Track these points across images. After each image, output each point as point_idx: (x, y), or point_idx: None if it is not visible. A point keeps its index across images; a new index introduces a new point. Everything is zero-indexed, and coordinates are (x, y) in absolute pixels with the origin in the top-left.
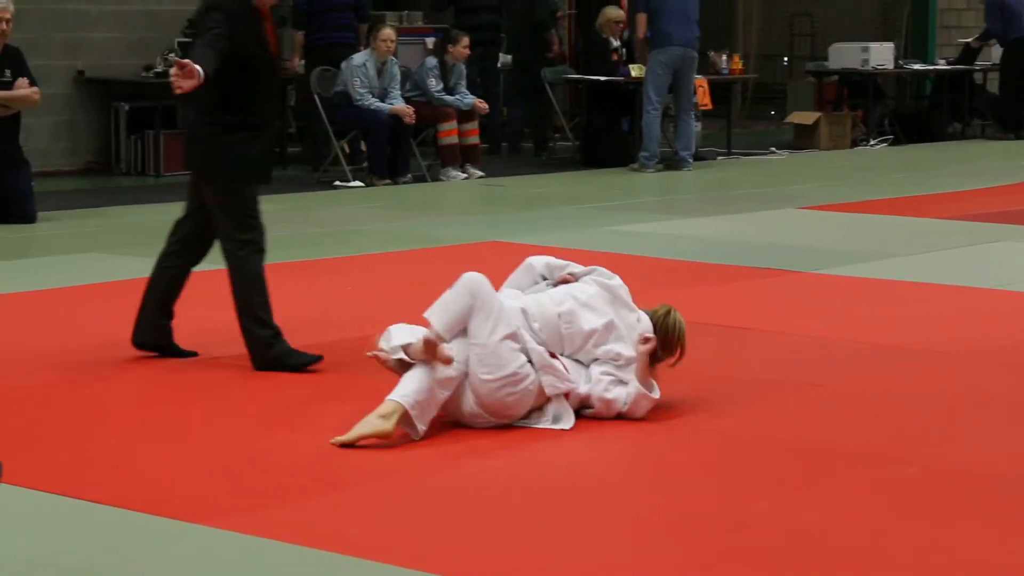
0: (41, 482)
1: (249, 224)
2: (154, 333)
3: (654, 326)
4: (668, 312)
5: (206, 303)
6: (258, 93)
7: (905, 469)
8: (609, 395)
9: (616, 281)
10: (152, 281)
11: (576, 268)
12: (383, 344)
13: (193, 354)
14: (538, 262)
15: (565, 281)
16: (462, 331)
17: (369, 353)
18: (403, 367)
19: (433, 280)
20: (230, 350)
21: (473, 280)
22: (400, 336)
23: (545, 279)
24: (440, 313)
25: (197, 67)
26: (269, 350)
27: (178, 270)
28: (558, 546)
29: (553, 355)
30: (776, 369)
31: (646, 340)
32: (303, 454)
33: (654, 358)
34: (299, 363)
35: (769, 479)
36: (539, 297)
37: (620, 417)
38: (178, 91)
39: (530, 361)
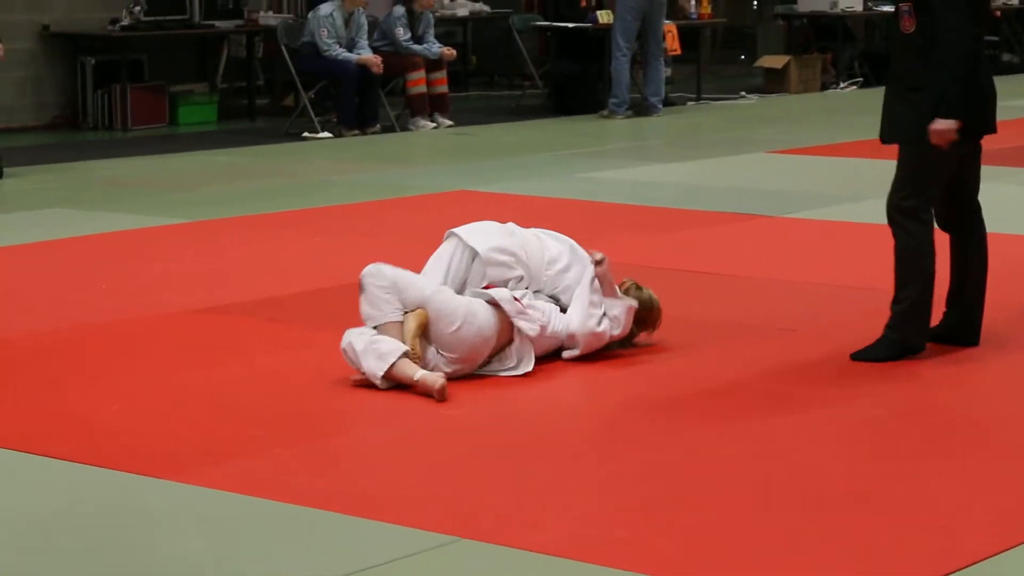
0: (5, 439)
1: None
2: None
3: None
4: (637, 286)
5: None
6: None
7: (872, 411)
8: (600, 328)
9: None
10: None
11: None
12: (361, 368)
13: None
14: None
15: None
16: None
17: (353, 380)
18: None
19: (403, 230)
20: (188, 302)
21: (378, 272)
22: (370, 362)
23: None
24: (386, 314)
25: None
26: None
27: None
28: (530, 494)
29: (516, 299)
30: (748, 314)
31: (598, 262)
32: (270, 407)
33: (630, 336)
34: None
35: (738, 423)
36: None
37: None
38: None
39: (494, 304)
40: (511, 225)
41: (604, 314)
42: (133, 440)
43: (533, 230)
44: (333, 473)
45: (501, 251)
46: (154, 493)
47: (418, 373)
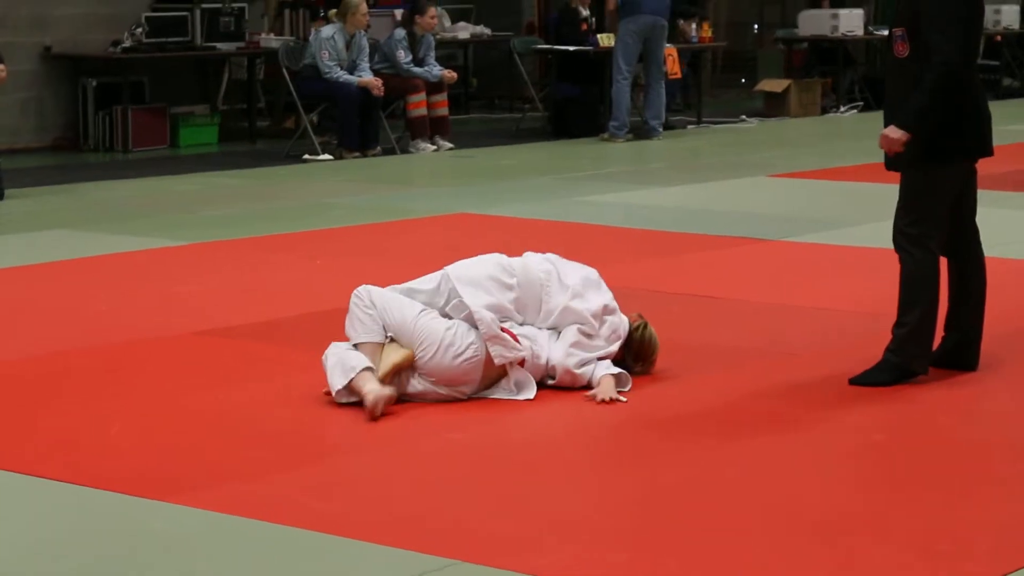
0: (3, 461)
1: None
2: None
3: (630, 334)
4: (645, 325)
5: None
6: None
7: (872, 436)
8: (577, 371)
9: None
10: None
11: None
12: (328, 379)
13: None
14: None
15: None
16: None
17: (325, 391)
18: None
19: (404, 252)
20: (181, 327)
21: (364, 294)
22: (335, 377)
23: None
24: (365, 334)
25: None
26: None
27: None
28: (529, 517)
29: (505, 330)
30: (747, 338)
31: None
32: (271, 429)
33: (623, 365)
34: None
35: (738, 447)
36: (525, 258)
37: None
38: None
39: (475, 328)
40: (515, 266)
41: (592, 359)
42: (132, 462)
43: (542, 269)
44: (333, 496)
45: (490, 308)
46: (154, 515)
47: (367, 386)
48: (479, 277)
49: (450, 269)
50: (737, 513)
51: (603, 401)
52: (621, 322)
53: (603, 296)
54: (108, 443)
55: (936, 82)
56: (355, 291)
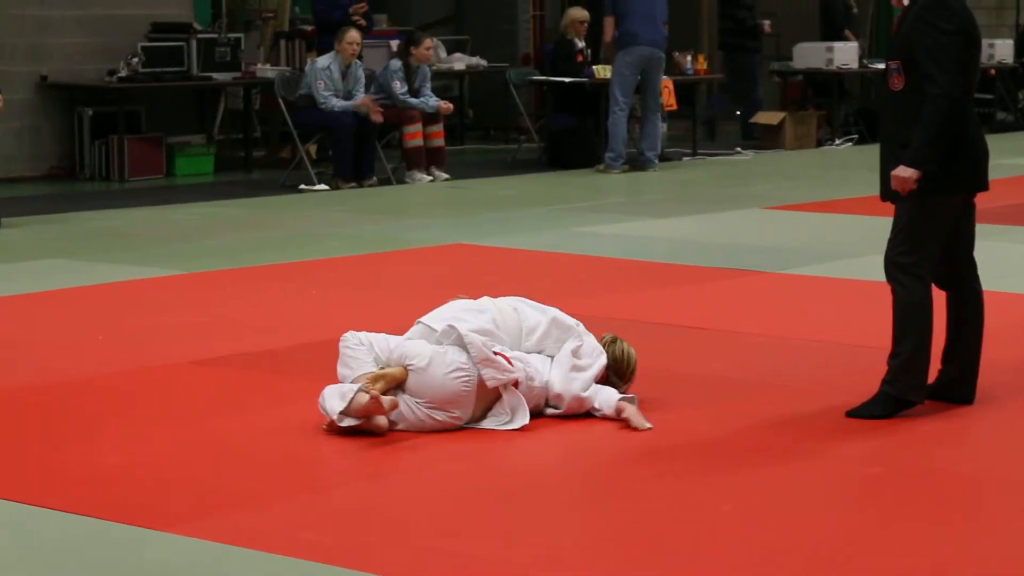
0: (1, 490)
1: None
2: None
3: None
4: (615, 340)
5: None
6: None
7: (869, 469)
8: (584, 395)
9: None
10: None
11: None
12: (326, 409)
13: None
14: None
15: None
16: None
17: (324, 426)
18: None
19: (399, 283)
20: (180, 355)
21: (351, 336)
22: (333, 403)
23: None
24: (359, 368)
25: None
26: None
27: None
28: (523, 549)
29: (498, 353)
30: (743, 370)
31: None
32: (268, 459)
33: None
34: None
35: (732, 479)
36: (495, 301)
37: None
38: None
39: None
40: (482, 301)
41: (592, 380)
42: (128, 491)
43: (511, 301)
44: (328, 526)
45: (477, 331)
46: (149, 545)
47: (364, 398)
48: (452, 311)
49: (422, 317)
50: (732, 547)
51: (637, 429)
52: (595, 342)
53: (572, 319)
54: (103, 472)
55: (937, 113)
56: (341, 337)
